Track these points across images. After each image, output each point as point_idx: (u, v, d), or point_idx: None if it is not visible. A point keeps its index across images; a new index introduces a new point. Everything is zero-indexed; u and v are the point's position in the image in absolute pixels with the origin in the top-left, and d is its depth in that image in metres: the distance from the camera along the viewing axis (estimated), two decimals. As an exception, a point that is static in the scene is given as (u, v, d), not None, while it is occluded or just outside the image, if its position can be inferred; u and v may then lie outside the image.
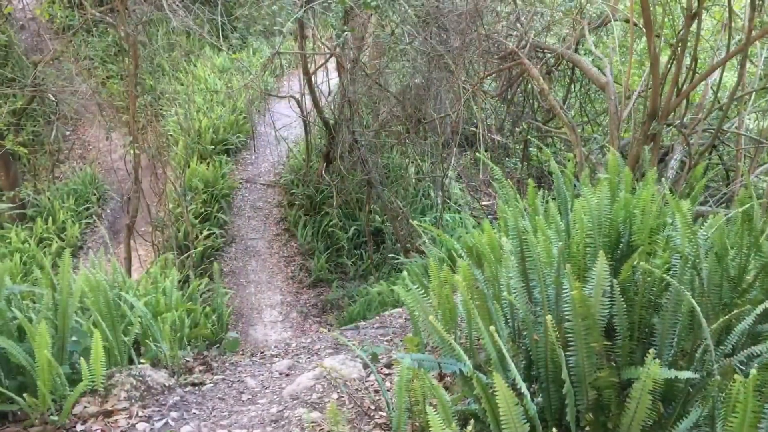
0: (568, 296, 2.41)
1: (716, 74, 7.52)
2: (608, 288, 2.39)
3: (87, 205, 11.42)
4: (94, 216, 11.37)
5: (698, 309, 2.17)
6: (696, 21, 5.71)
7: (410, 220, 9.96)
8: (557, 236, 3.10)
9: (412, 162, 11.90)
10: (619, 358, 2.44)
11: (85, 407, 3.16)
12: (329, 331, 6.24)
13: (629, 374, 2.31)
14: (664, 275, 2.44)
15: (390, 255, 9.38)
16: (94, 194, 11.73)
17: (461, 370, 2.43)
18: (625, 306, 2.45)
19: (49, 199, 11.10)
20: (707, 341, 2.22)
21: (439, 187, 10.27)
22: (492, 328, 2.29)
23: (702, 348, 2.34)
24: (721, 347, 2.40)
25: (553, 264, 2.68)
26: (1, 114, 9.74)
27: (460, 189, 11.81)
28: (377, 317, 6.03)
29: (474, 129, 10.91)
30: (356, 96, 9.48)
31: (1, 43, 10.10)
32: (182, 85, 12.92)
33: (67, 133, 13.19)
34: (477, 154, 8.15)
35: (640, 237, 2.83)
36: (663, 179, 5.70)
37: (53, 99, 11.35)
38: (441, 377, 3.24)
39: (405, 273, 3.54)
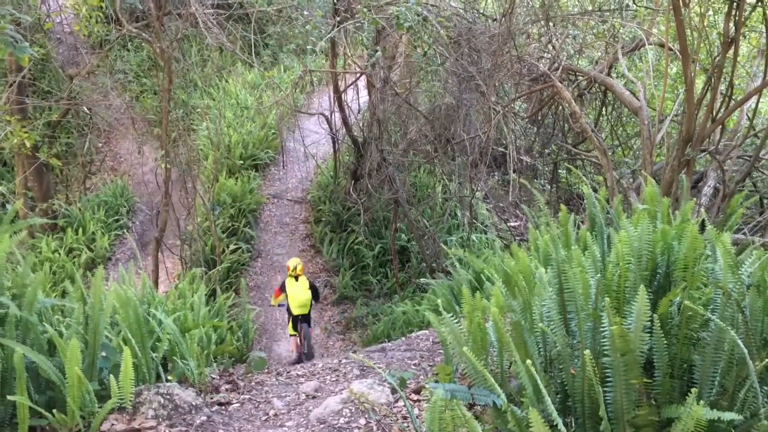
0: (606, 330, 2.36)
1: (752, 100, 7.41)
2: (648, 323, 2.33)
3: (117, 217, 11.55)
4: (123, 228, 11.49)
5: (744, 349, 2.11)
6: (733, 47, 5.64)
7: (437, 242, 9.93)
8: (593, 266, 3.04)
9: (440, 181, 11.88)
10: (659, 395, 2.37)
11: (113, 425, 3.15)
12: (355, 353, 6.20)
13: (670, 413, 2.25)
14: (707, 312, 2.37)
15: (421, 280, 9.27)
16: (124, 206, 11.87)
17: (495, 402, 2.38)
18: (665, 341, 2.38)
19: (80, 210, 11.25)
20: (753, 382, 2.14)
21: (466, 208, 10.22)
22: (528, 361, 2.25)
23: (746, 388, 2.27)
24: (765, 387, 2.32)
25: (589, 296, 2.62)
26: (36, 126, 9.91)
27: (487, 209, 11.74)
28: (403, 338, 5.98)
29: (503, 150, 10.87)
30: (385, 114, 9.49)
31: (39, 56, 10.30)
32: (214, 100, 13.08)
33: (100, 145, 13.38)
34: (506, 175, 8.10)
35: (679, 270, 2.76)
36: (700, 208, 5.61)
37: (87, 112, 11.53)
38: (471, 406, 3.19)
39: (438, 300, 3.50)
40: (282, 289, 7.98)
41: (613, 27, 9.19)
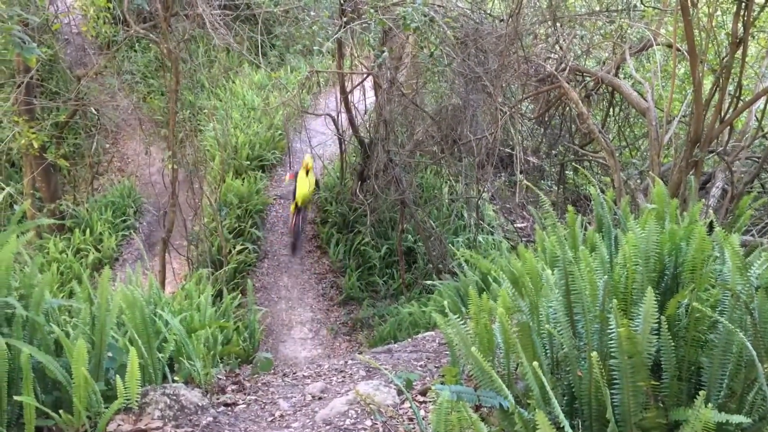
0: (613, 332, 2.34)
1: (761, 101, 7.36)
2: (656, 325, 2.32)
3: (124, 218, 11.57)
4: (130, 228, 11.52)
5: (753, 351, 2.09)
6: (741, 47, 5.60)
7: (444, 243, 9.91)
8: (600, 267, 3.02)
9: (446, 182, 11.86)
10: (667, 398, 2.36)
11: (119, 425, 3.16)
12: (362, 354, 6.20)
13: (677, 415, 2.23)
14: (715, 314, 2.36)
15: (427, 282, 9.29)
16: (131, 207, 11.89)
17: (502, 404, 2.37)
18: (672, 343, 2.37)
19: (87, 210, 11.28)
20: (762, 385, 2.13)
21: (473, 209, 10.20)
22: (535, 363, 2.23)
23: (754, 391, 2.25)
24: (774, 390, 2.31)
25: (597, 297, 2.61)
26: (44, 127, 9.95)
27: (493, 210, 11.72)
28: (410, 339, 5.97)
29: (510, 151, 10.84)
30: (392, 115, 9.49)
31: (47, 57, 10.33)
32: (220, 101, 13.10)
33: (107, 146, 13.41)
34: (512, 176, 8.09)
35: (687, 272, 2.74)
36: (709, 209, 5.58)
37: (95, 113, 11.56)
38: (477, 407, 3.18)
39: (445, 302, 3.49)
40: (295, 175, 10.37)
41: (620, 27, 9.16)
